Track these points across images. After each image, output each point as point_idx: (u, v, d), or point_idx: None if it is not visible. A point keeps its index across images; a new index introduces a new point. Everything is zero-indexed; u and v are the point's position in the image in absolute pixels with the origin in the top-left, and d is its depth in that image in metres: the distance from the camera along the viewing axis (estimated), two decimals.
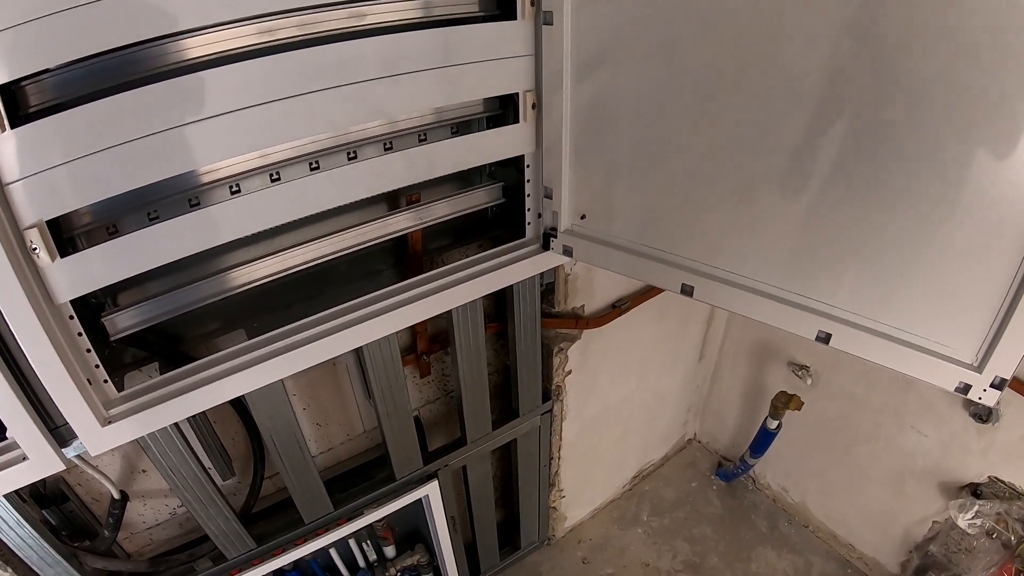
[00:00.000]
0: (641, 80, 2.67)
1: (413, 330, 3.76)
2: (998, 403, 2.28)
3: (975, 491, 4.29)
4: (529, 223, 3.35)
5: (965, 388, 2.29)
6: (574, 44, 2.75)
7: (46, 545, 2.82)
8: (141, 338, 2.71)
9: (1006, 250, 2.04)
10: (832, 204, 2.35)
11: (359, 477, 4.02)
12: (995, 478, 4.23)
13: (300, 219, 2.70)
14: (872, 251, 2.33)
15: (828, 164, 2.30)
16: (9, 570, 2.82)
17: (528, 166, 3.19)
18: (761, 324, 2.69)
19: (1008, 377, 2.20)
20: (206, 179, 2.48)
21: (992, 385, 2.23)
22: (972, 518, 4.20)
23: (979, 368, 2.24)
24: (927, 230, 2.17)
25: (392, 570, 4.56)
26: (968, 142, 1.99)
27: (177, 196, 2.46)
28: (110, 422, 2.53)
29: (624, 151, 2.87)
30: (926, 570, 4.73)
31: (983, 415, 4.06)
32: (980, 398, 2.27)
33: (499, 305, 4.06)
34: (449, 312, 3.36)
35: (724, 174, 2.61)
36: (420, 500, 4.11)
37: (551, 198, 3.18)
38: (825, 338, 2.54)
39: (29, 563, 2.84)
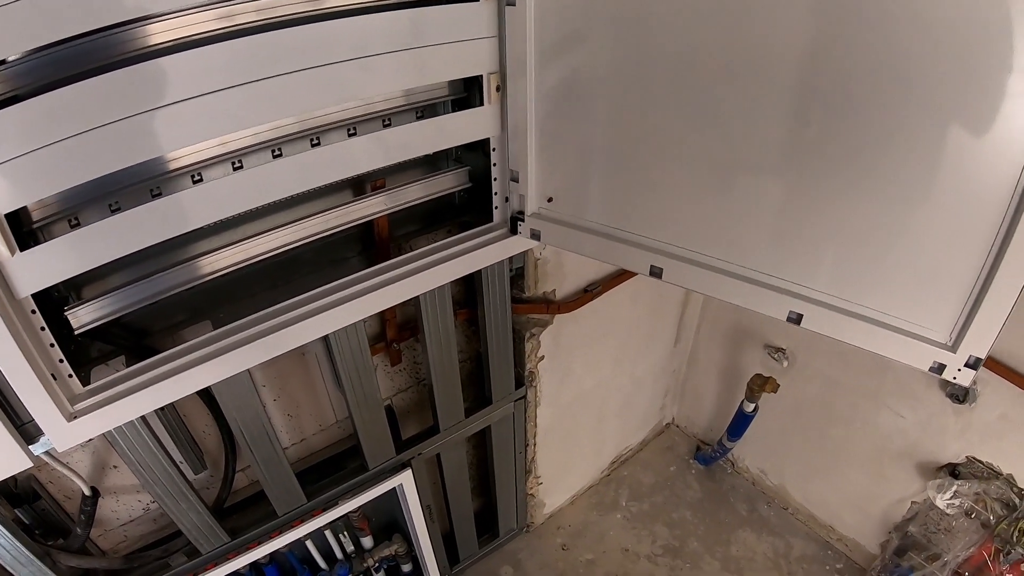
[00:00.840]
0: (609, 61, 2.65)
1: (382, 318, 3.75)
2: (974, 383, 2.28)
3: (953, 471, 4.33)
4: (496, 207, 3.34)
5: (939, 368, 2.29)
6: (538, 25, 2.73)
7: (19, 544, 2.80)
8: (106, 332, 2.69)
9: (980, 229, 2.04)
10: (806, 186, 2.35)
11: (332, 467, 4.01)
12: (973, 458, 4.26)
13: (265, 207, 2.69)
14: (846, 232, 2.33)
15: (803, 145, 2.29)
16: None
17: (494, 149, 3.17)
18: (737, 307, 2.69)
19: (982, 356, 2.19)
20: (167, 168, 2.45)
21: (967, 364, 2.22)
22: (951, 498, 4.23)
23: (953, 348, 2.24)
24: (903, 210, 2.17)
25: (370, 561, 4.56)
26: (942, 123, 1.99)
27: (138, 186, 2.44)
28: (76, 417, 2.50)
29: (592, 133, 2.86)
30: (906, 550, 4.76)
31: (960, 395, 4.08)
32: (955, 378, 2.27)
33: (469, 291, 4.06)
34: (417, 299, 3.35)
35: (696, 155, 2.60)
36: (395, 489, 4.11)
37: (517, 181, 3.17)
38: (796, 319, 2.53)
39: (2, 563, 2.82)
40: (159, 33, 2.18)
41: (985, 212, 2.01)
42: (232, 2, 2.25)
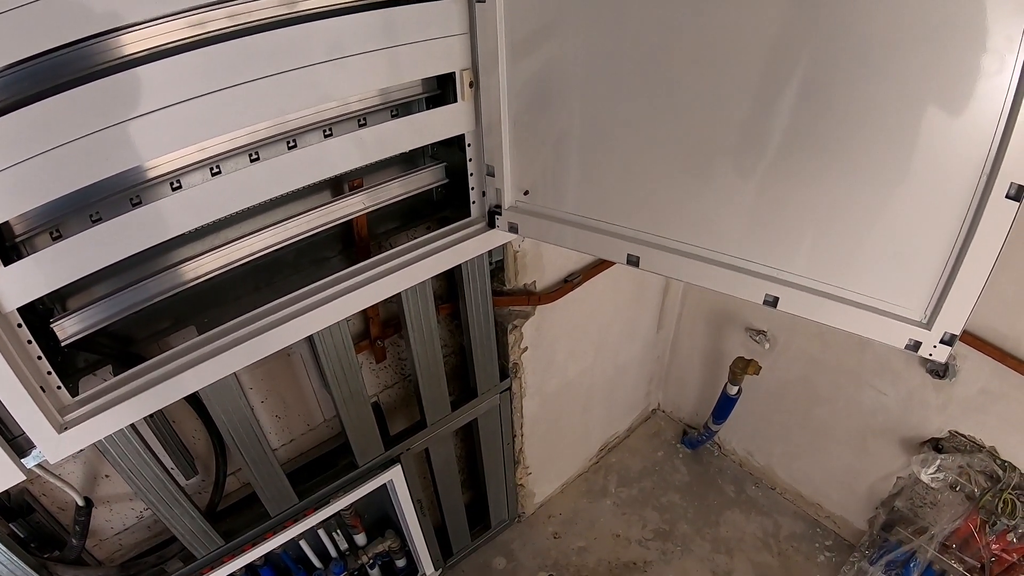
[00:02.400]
0: (581, 55, 2.67)
1: (366, 316, 3.77)
2: (953, 358, 2.31)
3: (936, 446, 4.37)
4: (474, 202, 3.36)
5: (915, 345, 2.32)
6: (508, 21, 2.75)
7: (15, 558, 2.82)
8: (92, 341, 2.69)
9: (952, 209, 2.07)
10: (780, 170, 2.37)
11: (322, 467, 4.03)
12: (955, 432, 4.31)
13: (244, 211, 2.70)
14: (819, 215, 2.36)
15: (777, 130, 2.31)
16: None
17: (469, 145, 3.19)
18: (717, 292, 2.71)
19: (957, 333, 2.22)
20: (146, 176, 2.46)
21: (942, 341, 2.26)
22: (935, 472, 4.27)
23: (928, 325, 2.27)
24: (875, 192, 2.20)
25: (364, 557, 4.58)
26: (911, 106, 2.02)
27: (118, 195, 2.44)
28: (66, 428, 2.51)
29: (567, 126, 2.88)
30: (893, 525, 4.80)
31: (940, 371, 4.12)
32: (931, 354, 2.30)
33: (450, 286, 4.07)
34: (399, 295, 3.37)
35: (670, 144, 2.62)
36: (385, 485, 4.13)
37: (494, 175, 3.19)
38: (772, 302, 2.56)
39: None
40: (133, 43, 2.18)
41: (956, 191, 2.04)
42: (204, 9, 2.26)
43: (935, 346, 2.28)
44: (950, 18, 1.86)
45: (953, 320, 2.21)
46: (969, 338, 3.80)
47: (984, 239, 2.03)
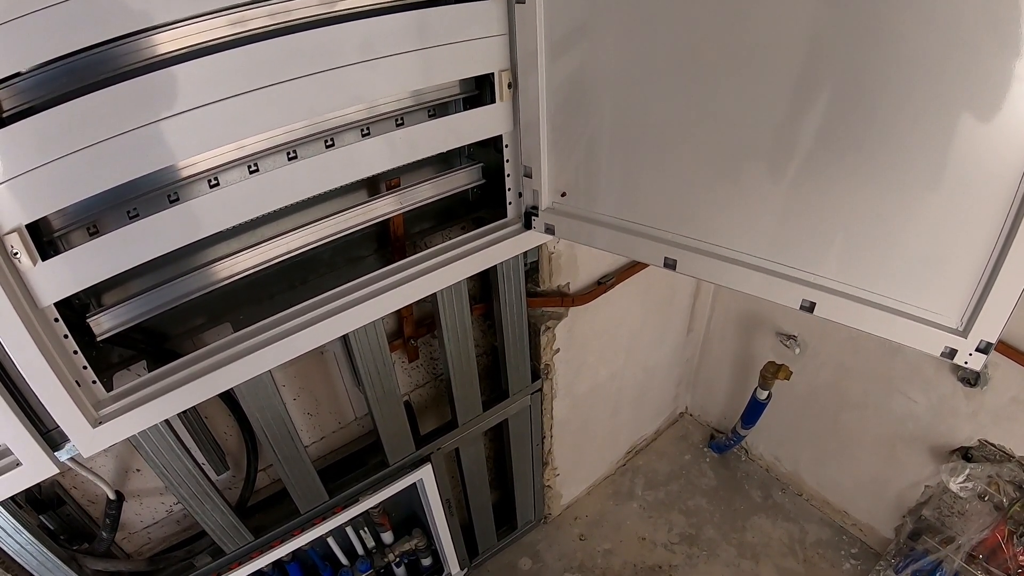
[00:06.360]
0: (618, 55, 2.65)
1: (399, 315, 3.76)
2: (985, 367, 2.27)
3: (966, 454, 4.32)
4: (510, 203, 3.35)
5: (951, 353, 2.28)
6: (548, 21, 2.74)
7: (45, 550, 2.83)
8: (127, 337, 2.71)
9: (989, 215, 2.03)
10: (816, 174, 2.34)
11: (353, 464, 4.03)
12: (985, 441, 4.26)
13: (281, 209, 2.70)
14: (855, 219, 2.33)
15: (811, 134, 2.28)
16: None
17: (507, 146, 3.18)
18: (748, 295, 2.69)
19: (993, 341, 2.19)
20: (184, 174, 2.46)
21: (978, 349, 2.22)
22: (964, 481, 4.24)
23: (964, 333, 2.23)
24: (911, 196, 2.17)
25: (391, 556, 4.58)
26: (948, 109, 1.98)
27: (156, 192, 2.45)
28: (101, 423, 2.52)
29: (603, 127, 2.86)
30: (920, 534, 4.76)
31: (971, 379, 4.09)
32: (966, 362, 2.26)
33: (484, 286, 4.06)
34: (433, 295, 3.36)
35: (705, 146, 2.59)
36: (414, 484, 4.13)
37: (531, 177, 3.17)
38: (809, 307, 2.53)
39: (29, 568, 2.85)
40: (173, 41, 2.19)
41: (994, 196, 2.01)
42: (245, 8, 2.26)
43: (971, 354, 2.25)
44: (985, 21, 1.83)
45: (989, 328, 2.17)
46: (1001, 346, 3.76)
47: (1023, 247, 2.00)
